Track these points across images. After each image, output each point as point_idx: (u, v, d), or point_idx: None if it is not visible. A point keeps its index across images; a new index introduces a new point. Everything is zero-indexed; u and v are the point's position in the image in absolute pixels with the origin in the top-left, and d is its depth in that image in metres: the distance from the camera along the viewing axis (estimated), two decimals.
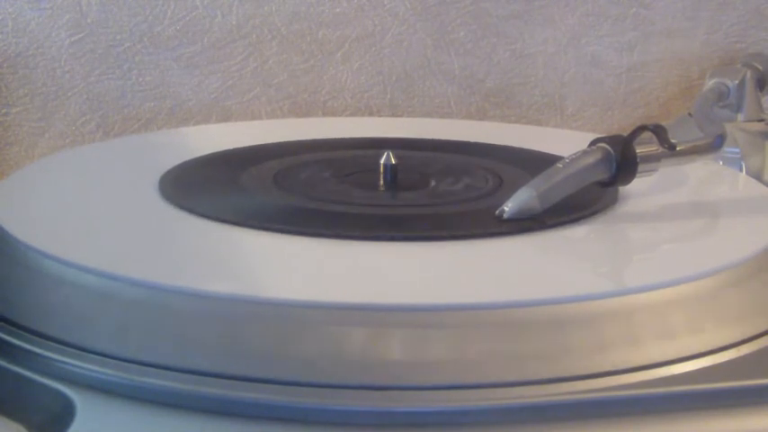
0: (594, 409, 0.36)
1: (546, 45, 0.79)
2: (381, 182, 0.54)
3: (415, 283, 0.41)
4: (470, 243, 0.45)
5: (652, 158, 0.50)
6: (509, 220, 0.47)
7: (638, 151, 0.49)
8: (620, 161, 0.49)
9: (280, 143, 0.63)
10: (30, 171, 0.60)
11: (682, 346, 0.39)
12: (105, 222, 0.48)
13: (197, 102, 0.75)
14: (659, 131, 0.50)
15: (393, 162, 0.54)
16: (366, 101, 0.78)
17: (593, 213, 0.49)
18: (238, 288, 0.39)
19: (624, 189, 0.51)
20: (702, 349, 0.39)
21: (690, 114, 0.54)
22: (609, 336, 0.38)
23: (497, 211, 0.47)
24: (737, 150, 0.66)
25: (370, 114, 0.78)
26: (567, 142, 0.54)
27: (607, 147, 0.49)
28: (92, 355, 0.38)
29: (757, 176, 0.63)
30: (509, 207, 0.47)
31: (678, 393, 0.37)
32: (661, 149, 0.50)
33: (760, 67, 0.69)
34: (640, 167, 0.49)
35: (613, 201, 0.51)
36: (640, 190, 0.52)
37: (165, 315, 0.38)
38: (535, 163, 0.53)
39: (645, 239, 0.48)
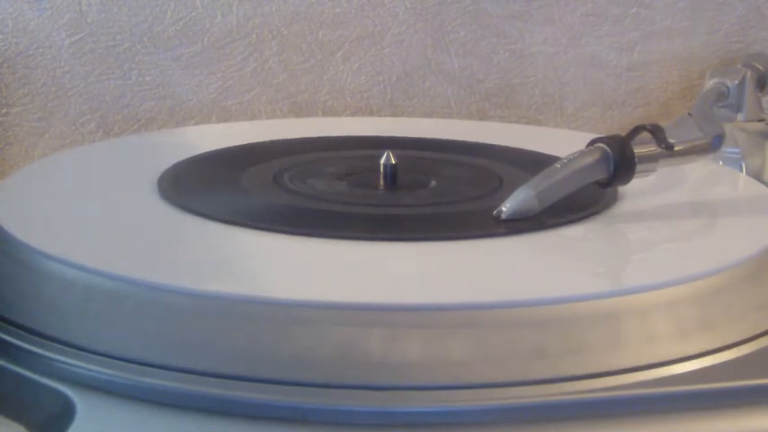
0: (594, 409, 0.36)
1: (546, 45, 0.79)
2: (381, 182, 0.54)
3: (414, 284, 0.41)
4: (469, 243, 0.45)
5: (650, 158, 0.50)
6: (507, 220, 0.47)
7: (635, 151, 0.49)
8: (618, 161, 0.49)
9: (279, 142, 0.63)
10: (30, 171, 0.60)
11: (681, 345, 0.39)
12: (105, 222, 0.48)
13: (197, 102, 0.75)
14: (657, 131, 0.50)
15: (393, 162, 0.54)
16: (366, 101, 0.78)
17: (592, 213, 0.49)
18: (238, 288, 0.39)
19: (623, 189, 0.51)
20: (703, 349, 0.39)
21: (690, 114, 0.54)
22: (609, 336, 0.38)
23: (495, 212, 0.47)
24: (737, 150, 0.66)
25: (370, 114, 0.78)
26: (566, 142, 0.54)
27: (605, 147, 0.49)
28: (92, 355, 0.38)
29: (757, 176, 0.63)
30: (507, 207, 0.47)
31: (678, 393, 0.37)
32: (659, 149, 0.50)
33: (760, 67, 0.68)
34: (638, 167, 0.49)
35: (612, 201, 0.51)
36: (640, 190, 0.52)
37: (164, 315, 0.38)
38: (535, 163, 0.53)
39: (644, 239, 0.48)
